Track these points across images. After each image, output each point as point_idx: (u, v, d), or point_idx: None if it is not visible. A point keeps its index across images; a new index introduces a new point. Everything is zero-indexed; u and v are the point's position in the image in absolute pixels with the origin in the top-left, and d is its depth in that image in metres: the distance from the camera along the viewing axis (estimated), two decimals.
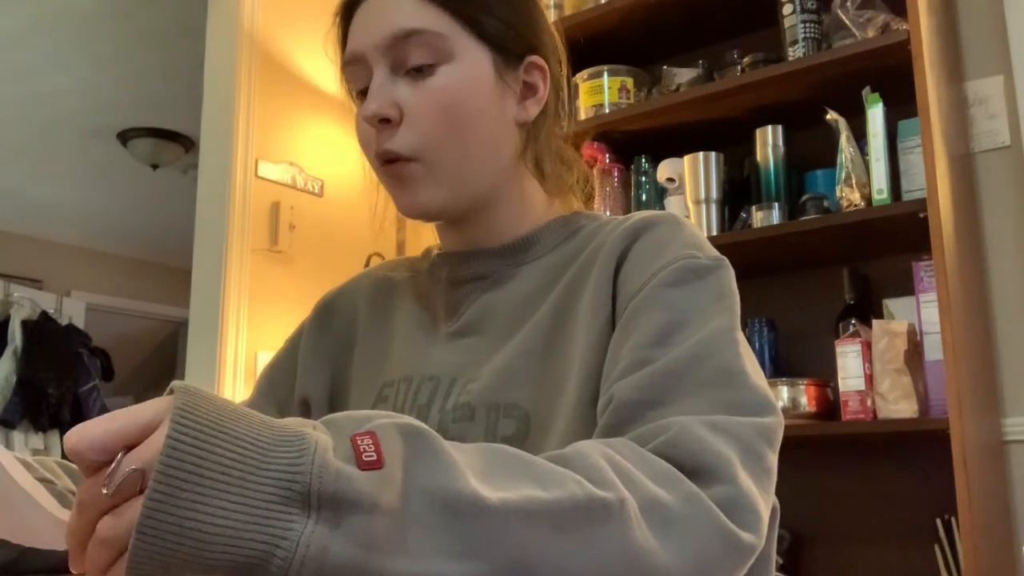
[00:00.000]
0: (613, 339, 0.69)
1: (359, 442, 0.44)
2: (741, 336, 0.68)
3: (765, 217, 1.91)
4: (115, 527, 0.41)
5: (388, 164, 0.77)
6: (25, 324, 4.64)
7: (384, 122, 0.75)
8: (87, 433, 0.43)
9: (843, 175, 1.82)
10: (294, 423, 0.45)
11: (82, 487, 0.43)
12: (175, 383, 0.44)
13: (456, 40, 0.76)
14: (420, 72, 0.75)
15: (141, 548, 0.39)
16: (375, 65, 0.76)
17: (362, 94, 0.78)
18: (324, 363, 0.88)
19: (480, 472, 0.47)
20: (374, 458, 0.43)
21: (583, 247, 0.79)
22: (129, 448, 0.42)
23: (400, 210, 0.79)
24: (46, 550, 0.75)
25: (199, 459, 0.40)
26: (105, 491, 0.41)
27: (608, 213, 2.10)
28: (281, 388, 0.88)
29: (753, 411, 0.62)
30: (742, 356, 0.65)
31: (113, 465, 0.42)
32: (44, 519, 0.48)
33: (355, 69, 0.78)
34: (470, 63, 0.76)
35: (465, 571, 0.44)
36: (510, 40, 0.79)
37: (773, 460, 0.62)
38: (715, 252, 0.73)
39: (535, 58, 0.81)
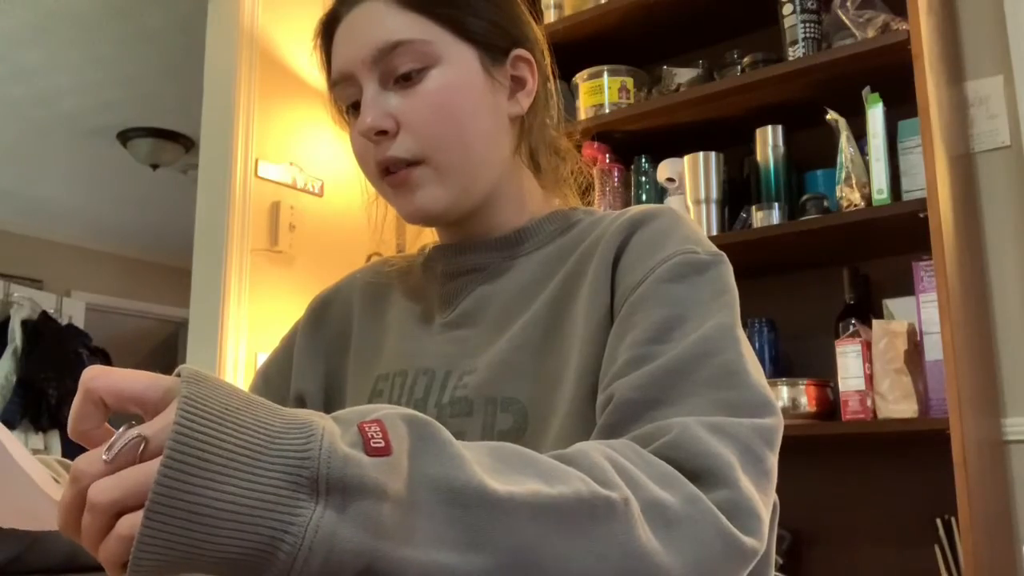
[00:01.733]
0: (612, 334, 0.69)
1: (367, 429, 0.44)
2: (741, 333, 0.67)
3: (765, 217, 1.91)
4: (106, 490, 0.41)
5: (390, 174, 0.77)
6: (25, 324, 4.64)
7: (381, 134, 0.75)
8: (107, 376, 0.44)
9: (843, 175, 1.82)
10: (301, 412, 0.45)
11: (79, 459, 0.43)
12: (182, 367, 0.44)
13: (441, 44, 0.76)
14: (410, 80, 0.75)
15: (150, 534, 0.39)
16: (364, 80, 0.76)
17: (354, 109, 0.79)
18: (319, 360, 0.88)
19: (486, 466, 0.47)
20: (382, 444, 0.43)
21: (581, 239, 0.79)
22: (133, 420, 0.43)
23: (403, 216, 0.79)
24: (46, 548, 0.75)
25: (207, 446, 0.40)
26: (105, 456, 0.42)
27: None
28: (276, 386, 0.88)
29: (753, 412, 0.62)
30: (743, 355, 0.65)
31: (115, 436, 0.42)
32: (43, 501, 0.48)
33: (344, 87, 0.79)
34: (458, 64, 0.76)
35: (469, 562, 0.44)
36: (494, 36, 0.79)
37: (773, 462, 0.62)
38: (714, 247, 0.73)
39: (521, 51, 0.81)
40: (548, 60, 0.86)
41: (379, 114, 0.75)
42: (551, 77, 0.86)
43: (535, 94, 0.82)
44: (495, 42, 0.79)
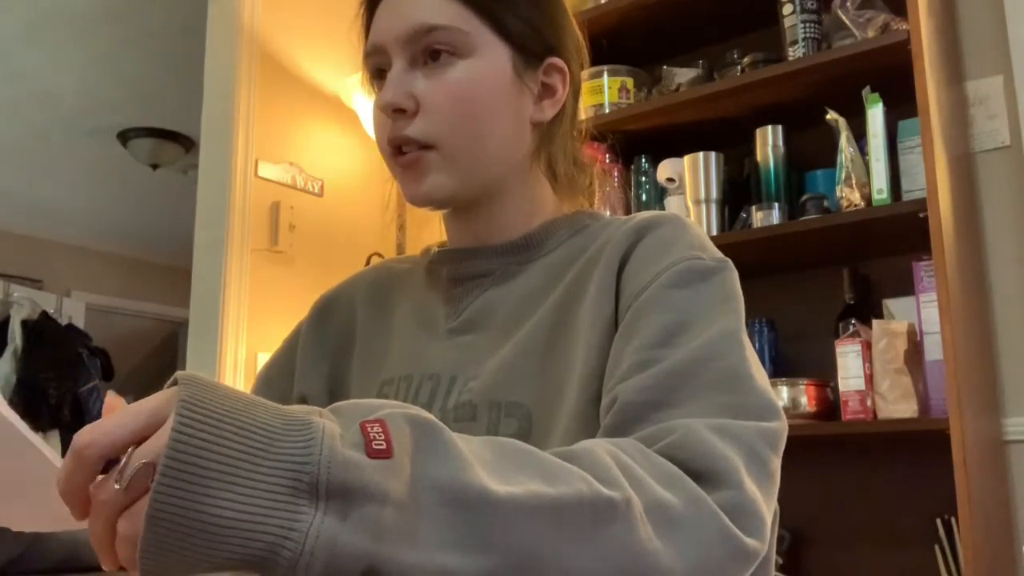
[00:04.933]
0: (616, 339, 0.69)
1: (369, 429, 0.44)
2: (746, 339, 0.67)
3: (765, 217, 1.91)
4: (132, 525, 0.42)
5: (400, 154, 0.77)
6: (25, 324, 4.63)
7: (399, 112, 0.75)
8: (97, 431, 0.43)
9: (843, 175, 1.82)
10: (301, 410, 0.45)
11: (95, 486, 0.43)
12: (179, 373, 0.44)
13: (477, 36, 0.76)
14: (438, 65, 0.75)
15: (151, 539, 0.40)
16: (394, 57, 0.76)
17: (379, 80, 0.79)
18: (323, 362, 0.87)
19: (488, 465, 0.47)
20: (383, 447, 0.43)
21: (587, 246, 0.79)
22: (138, 443, 0.43)
23: (407, 198, 0.79)
24: (46, 549, 0.75)
25: (206, 451, 0.40)
26: (117, 486, 0.42)
27: (609, 213, 2.11)
28: (279, 388, 0.88)
29: (758, 415, 0.62)
30: (748, 359, 0.65)
31: (124, 460, 0.42)
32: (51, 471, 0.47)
33: (376, 60, 0.79)
34: (489, 60, 0.76)
35: (471, 564, 0.44)
36: (531, 40, 0.79)
37: (777, 465, 0.62)
38: (719, 254, 0.73)
39: (555, 60, 0.81)
40: (585, 68, 0.86)
41: (400, 92, 0.75)
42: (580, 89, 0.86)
43: (563, 104, 0.82)
44: (531, 46, 0.79)
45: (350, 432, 0.44)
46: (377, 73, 0.79)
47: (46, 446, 0.53)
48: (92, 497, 0.43)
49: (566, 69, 0.81)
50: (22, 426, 0.52)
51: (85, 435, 0.43)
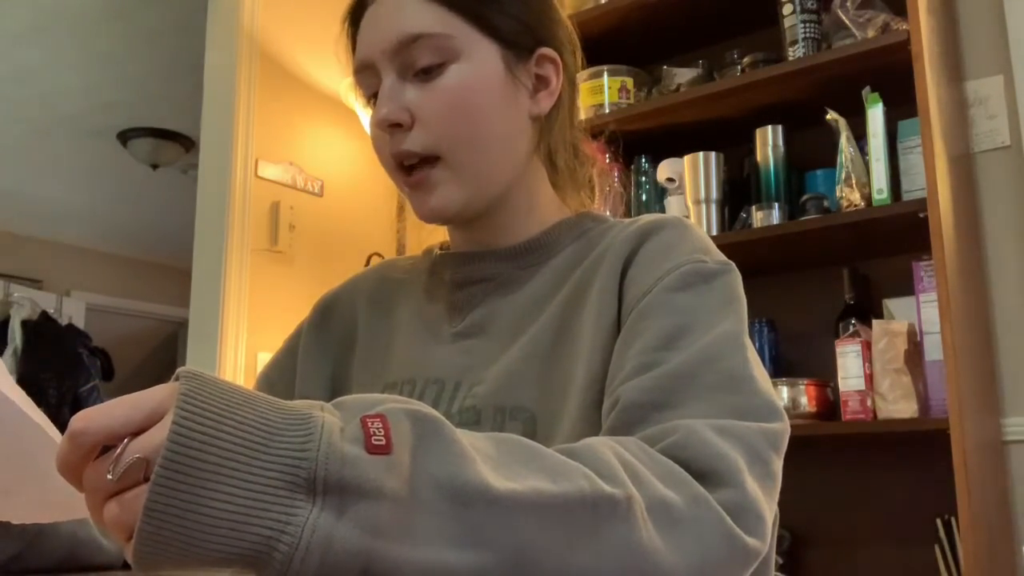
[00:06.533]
0: (619, 342, 0.69)
1: (369, 424, 0.44)
2: (748, 341, 0.67)
3: (765, 217, 1.91)
4: (120, 514, 0.42)
5: (407, 173, 0.76)
6: (25, 324, 4.64)
7: (395, 127, 0.75)
8: (93, 417, 0.43)
9: (843, 175, 1.82)
10: (303, 404, 0.45)
11: (88, 469, 0.43)
12: (181, 369, 0.44)
13: (463, 39, 0.75)
14: (428, 73, 0.75)
15: (147, 533, 0.40)
16: (383, 70, 0.76)
17: (375, 99, 0.78)
18: (324, 363, 0.87)
19: (490, 460, 0.47)
20: (383, 442, 0.43)
21: (590, 250, 0.78)
22: (135, 434, 0.42)
23: (419, 215, 0.79)
24: (46, 547, 0.75)
25: (204, 445, 0.40)
26: (110, 476, 0.42)
27: (608, 213, 2.11)
28: (279, 388, 0.88)
29: (760, 416, 0.62)
30: (750, 361, 0.65)
31: (119, 450, 0.42)
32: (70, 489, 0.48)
33: (365, 76, 0.78)
34: (478, 60, 0.76)
35: (470, 560, 0.44)
36: (519, 34, 0.78)
37: (778, 466, 0.62)
38: (722, 256, 0.73)
39: (546, 50, 0.80)
40: (578, 60, 0.85)
41: (394, 107, 0.74)
42: (578, 79, 0.85)
43: (558, 95, 0.81)
44: (520, 40, 0.78)
45: (351, 427, 0.44)
46: (373, 96, 0.78)
47: (51, 426, 0.53)
48: (84, 480, 0.43)
49: (558, 59, 0.81)
50: (26, 405, 0.52)
51: (81, 421, 0.43)
